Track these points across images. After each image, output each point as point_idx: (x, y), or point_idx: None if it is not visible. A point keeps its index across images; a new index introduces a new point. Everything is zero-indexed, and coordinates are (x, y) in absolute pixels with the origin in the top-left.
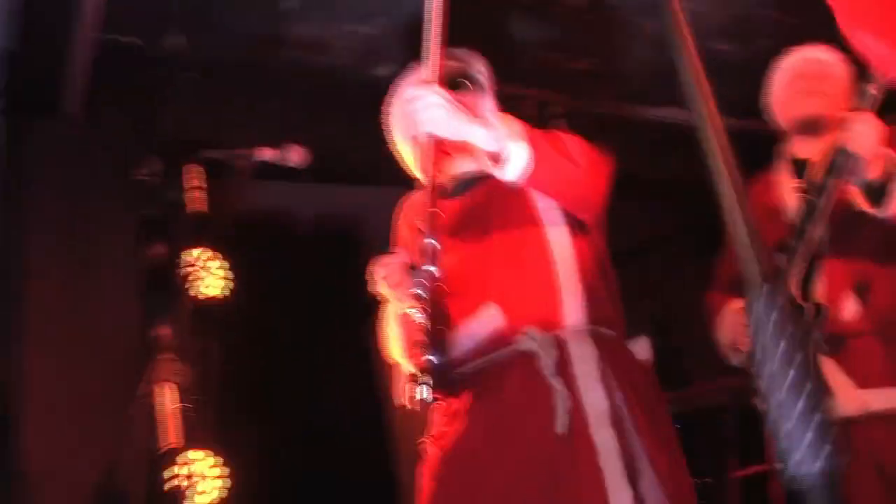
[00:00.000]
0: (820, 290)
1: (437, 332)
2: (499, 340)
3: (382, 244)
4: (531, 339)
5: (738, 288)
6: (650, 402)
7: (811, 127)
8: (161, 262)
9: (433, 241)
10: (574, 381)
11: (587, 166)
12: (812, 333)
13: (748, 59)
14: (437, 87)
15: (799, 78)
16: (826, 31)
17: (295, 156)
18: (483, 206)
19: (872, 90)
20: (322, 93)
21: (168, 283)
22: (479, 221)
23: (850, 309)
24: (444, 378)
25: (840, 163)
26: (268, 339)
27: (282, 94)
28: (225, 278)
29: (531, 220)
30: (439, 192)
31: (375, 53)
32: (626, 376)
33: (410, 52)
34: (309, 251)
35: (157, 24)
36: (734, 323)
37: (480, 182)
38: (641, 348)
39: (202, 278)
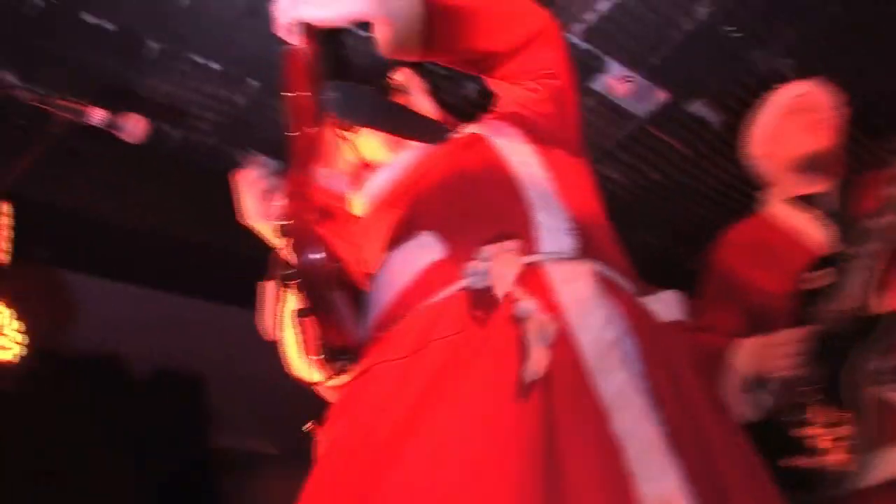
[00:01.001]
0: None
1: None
2: (435, 283)
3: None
4: (481, 265)
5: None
6: (686, 377)
7: (814, 164)
8: None
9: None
10: (558, 308)
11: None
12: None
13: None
14: None
15: (796, 113)
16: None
17: (133, 127)
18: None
19: None
20: (168, 173)
21: None
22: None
23: None
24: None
25: None
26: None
27: (122, 163)
28: (20, 343)
29: (482, 148)
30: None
31: (241, 131)
32: (643, 332)
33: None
34: (127, 363)
35: None
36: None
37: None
38: (667, 305)
39: None
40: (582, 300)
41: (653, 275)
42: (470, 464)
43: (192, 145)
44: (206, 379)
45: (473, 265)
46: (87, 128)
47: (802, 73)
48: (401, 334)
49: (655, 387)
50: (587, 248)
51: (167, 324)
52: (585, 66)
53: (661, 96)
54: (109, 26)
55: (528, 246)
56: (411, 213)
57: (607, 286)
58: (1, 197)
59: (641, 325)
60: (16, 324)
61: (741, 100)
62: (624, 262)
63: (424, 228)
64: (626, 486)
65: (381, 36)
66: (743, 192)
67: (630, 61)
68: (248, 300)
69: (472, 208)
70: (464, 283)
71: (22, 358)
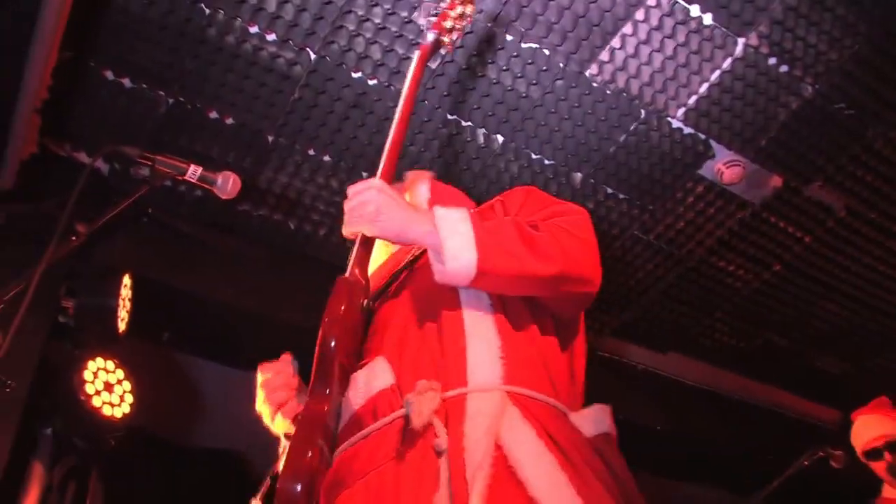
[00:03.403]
0: None
1: None
2: (380, 410)
3: None
4: (412, 398)
5: None
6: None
7: None
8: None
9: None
10: (462, 439)
11: (562, 259)
12: None
13: None
14: (376, 182)
15: None
16: None
17: (228, 185)
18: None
19: None
20: (283, 268)
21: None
22: (397, 292)
23: None
24: None
25: None
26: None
27: (236, 256)
28: (129, 403)
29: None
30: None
31: None
32: (558, 444)
33: None
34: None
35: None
36: None
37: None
38: (593, 420)
39: (99, 391)
40: (477, 435)
41: (778, 378)
42: None
43: (305, 235)
44: None
45: (408, 397)
46: (211, 222)
47: None
48: (343, 462)
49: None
50: (514, 375)
51: None
52: (691, 152)
53: (773, 180)
54: (230, 121)
55: (457, 378)
56: (379, 333)
57: (520, 410)
58: (124, 271)
59: (554, 443)
60: (126, 384)
61: (861, 180)
62: (555, 383)
63: (384, 353)
64: None
65: (434, 265)
66: (874, 283)
67: (736, 144)
68: None
69: (420, 338)
70: (400, 412)
71: (125, 416)
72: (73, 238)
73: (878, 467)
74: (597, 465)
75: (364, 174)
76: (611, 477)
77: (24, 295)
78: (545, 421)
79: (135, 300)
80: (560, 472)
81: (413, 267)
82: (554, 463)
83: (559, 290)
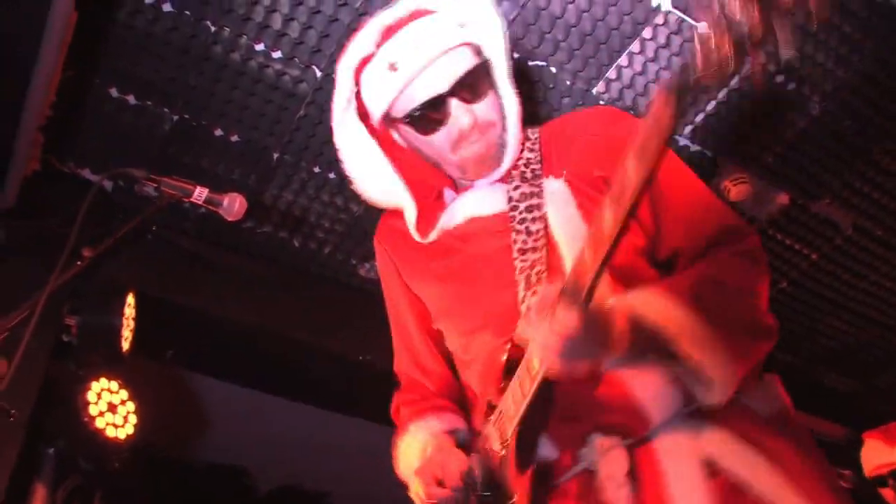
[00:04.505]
0: None
1: None
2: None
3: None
4: (590, 453)
5: None
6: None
7: None
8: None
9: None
10: (666, 489)
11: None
12: None
13: None
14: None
15: None
16: None
17: (234, 207)
18: None
19: None
20: (288, 285)
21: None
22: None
23: None
24: None
25: None
26: None
27: (241, 273)
28: (133, 424)
29: None
30: None
31: (356, 239)
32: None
33: None
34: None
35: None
36: None
37: None
38: (762, 399)
39: (103, 413)
40: (680, 468)
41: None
42: None
43: (310, 252)
44: (331, 498)
45: (585, 452)
46: (216, 239)
47: None
48: None
49: None
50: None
51: (292, 434)
52: (698, 169)
53: (780, 197)
54: (235, 138)
55: (635, 427)
56: None
57: (707, 421)
58: (128, 289)
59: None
60: (130, 405)
61: (868, 197)
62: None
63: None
64: None
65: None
66: (881, 300)
67: (743, 162)
68: (376, 414)
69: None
70: (580, 467)
71: (128, 437)
72: (78, 262)
73: (887, 494)
74: (789, 443)
75: None
76: (804, 453)
77: (29, 320)
78: (732, 422)
79: (139, 318)
80: (771, 466)
81: None
82: (761, 459)
83: None
